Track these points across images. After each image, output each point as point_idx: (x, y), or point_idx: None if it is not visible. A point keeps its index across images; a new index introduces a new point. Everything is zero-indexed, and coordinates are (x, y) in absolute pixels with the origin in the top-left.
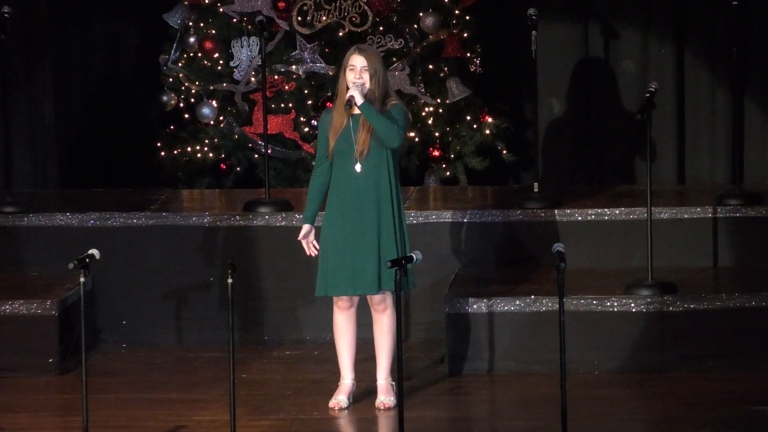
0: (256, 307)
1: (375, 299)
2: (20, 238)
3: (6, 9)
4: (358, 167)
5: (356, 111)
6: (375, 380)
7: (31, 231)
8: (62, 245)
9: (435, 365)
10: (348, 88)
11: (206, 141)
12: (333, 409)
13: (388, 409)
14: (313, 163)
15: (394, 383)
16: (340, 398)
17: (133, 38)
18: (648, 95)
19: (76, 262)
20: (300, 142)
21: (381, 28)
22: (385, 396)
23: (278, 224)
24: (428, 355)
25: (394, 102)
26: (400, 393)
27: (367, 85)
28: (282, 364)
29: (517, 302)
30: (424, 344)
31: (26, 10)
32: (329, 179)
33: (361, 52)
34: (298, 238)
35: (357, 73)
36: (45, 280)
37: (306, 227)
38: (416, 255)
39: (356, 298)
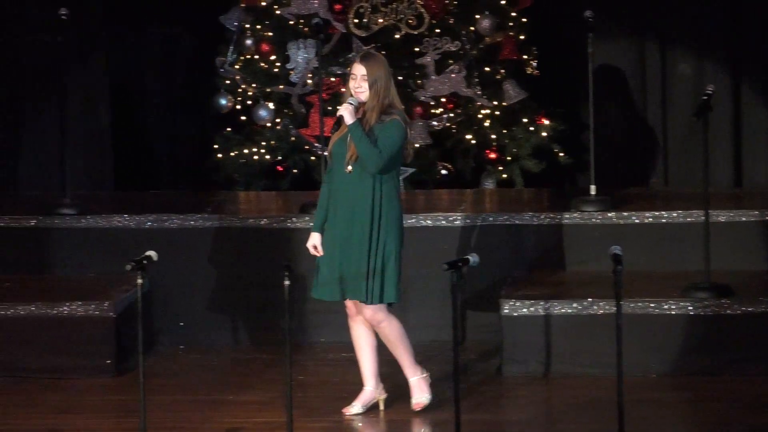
0: (312, 309)
1: (365, 315)
2: (77, 240)
3: (63, 11)
4: (348, 168)
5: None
6: (401, 387)
7: (88, 233)
8: (119, 247)
9: (490, 368)
10: (351, 95)
11: (262, 143)
12: (343, 414)
13: (423, 407)
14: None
15: (426, 375)
16: (354, 405)
17: (189, 40)
18: (705, 98)
19: (133, 263)
20: None
21: (437, 31)
22: (418, 394)
23: None
24: (483, 358)
25: (395, 116)
26: (456, 396)
27: (363, 96)
28: (338, 366)
29: (574, 305)
30: (479, 347)
31: (82, 13)
32: None
33: (363, 60)
34: (306, 245)
35: (357, 82)
36: (102, 282)
37: (313, 235)
38: (473, 258)
39: (361, 304)
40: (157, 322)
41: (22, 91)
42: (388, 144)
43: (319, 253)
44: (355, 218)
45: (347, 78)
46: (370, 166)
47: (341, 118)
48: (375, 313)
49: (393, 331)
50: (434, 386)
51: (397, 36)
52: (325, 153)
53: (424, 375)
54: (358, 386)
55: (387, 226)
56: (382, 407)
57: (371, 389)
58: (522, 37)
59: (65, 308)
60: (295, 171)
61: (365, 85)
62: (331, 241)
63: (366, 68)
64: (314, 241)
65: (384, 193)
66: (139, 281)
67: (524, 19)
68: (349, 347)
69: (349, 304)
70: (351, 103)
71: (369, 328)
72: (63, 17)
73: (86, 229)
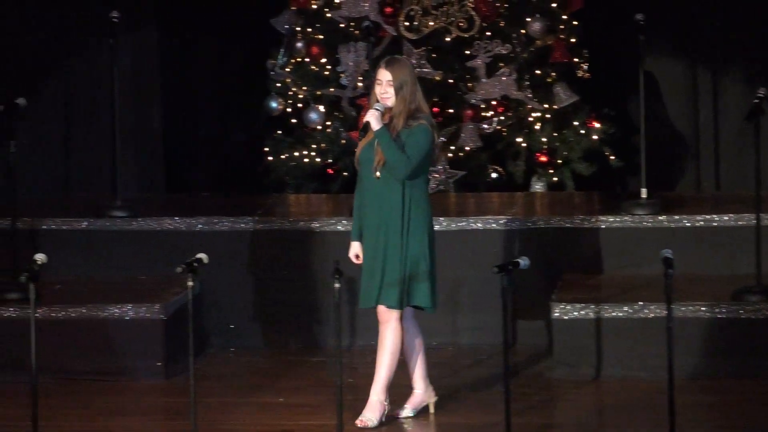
0: (363, 312)
1: (378, 311)
2: (128, 243)
3: (114, 14)
4: (377, 174)
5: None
6: (451, 390)
7: (139, 235)
8: (170, 249)
9: (540, 371)
10: (377, 101)
11: (313, 146)
12: (396, 416)
13: (365, 427)
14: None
15: (387, 403)
16: (404, 407)
17: (240, 43)
18: (756, 101)
19: (184, 266)
20: None
21: (488, 34)
22: (368, 413)
23: None
24: (533, 361)
25: (422, 121)
26: (507, 399)
27: (390, 102)
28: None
29: (625, 308)
30: (529, 350)
31: (133, 15)
32: None
33: (388, 65)
34: (349, 254)
35: (383, 87)
36: (153, 284)
37: (353, 245)
38: (523, 261)
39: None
40: (208, 325)
41: (73, 92)
42: (416, 149)
43: (361, 261)
44: (384, 224)
45: (372, 84)
46: (398, 172)
47: (368, 123)
48: (390, 312)
49: (395, 341)
50: (484, 388)
51: (447, 39)
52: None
53: (386, 402)
54: (408, 389)
55: (416, 230)
56: (432, 410)
57: (421, 392)
58: (573, 39)
59: (116, 310)
60: (345, 174)
61: (391, 91)
62: (365, 247)
63: (391, 73)
64: (355, 250)
65: (413, 198)
66: (190, 284)
67: (575, 22)
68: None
69: (380, 309)
70: (377, 109)
71: (417, 331)
72: (114, 20)
73: (137, 231)
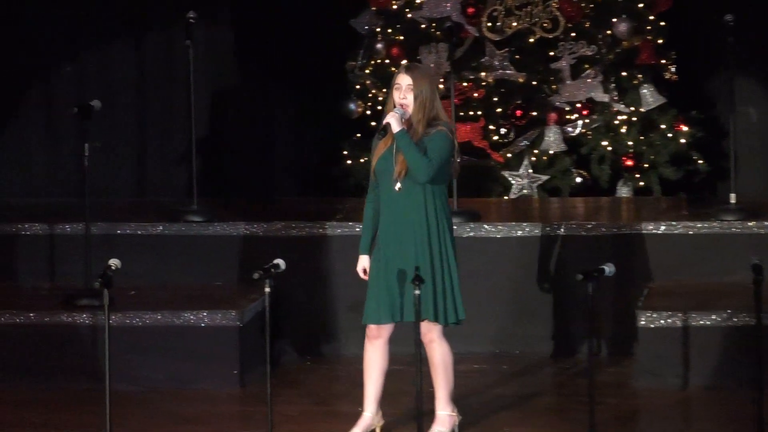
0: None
1: (422, 329)
2: (204, 248)
3: (191, 14)
4: (397, 186)
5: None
6: (520, 399)
7: (216, 240)
8: (246, 255)
9: (626, 381)
10: (394, 107)
11: None
12: None
13: None
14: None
15: (454, 414)
16: (353, 430)
17: (318, 44)
18: None
19: (260, 272)
20: (489, 150)
21: (573, 34)
22: (438, 426)
23: (466, 234)
24: (618, 370)
25: (441, 128)
26: (591, 410)
27: (410, 108)
28: (469, 378)
29: (713, 316)
30: (615, 359)
31: (210, 15)
32: None
33: (408, 70)
34: (356, 269)
35: (402, 92)
36: (229, 291)
37: (361, 258)
38: (608, 267)
39: (386, 329)
40: (284, 332)
41: (148, 95)
42: (436, 153)
43: (366, 276)
44: (408, 237)
45: (391, 89)
46: (420, 174)
47: (388, 126)
48: (431, 329)
49: (445, 355)
50: (558, 398)
51: (531, 40)
52: (458, 160)
53: (454, 413)
54: (490, 398)
55: (445, 242)
56: None
57: (369, 415)
58: (660, 41)
59: (191, 317)
60: None
61: (410, 96)
62: (381, 263)
63: (412, 78)
64: (363, 264)
65: (438, 208)
66: (267, 290)
67: (662, 23)
68: (480, 358)
69: (373, 326)
70: (397, 113)
71: (385, 353)
72: (191, 20)
73: (213, 236)
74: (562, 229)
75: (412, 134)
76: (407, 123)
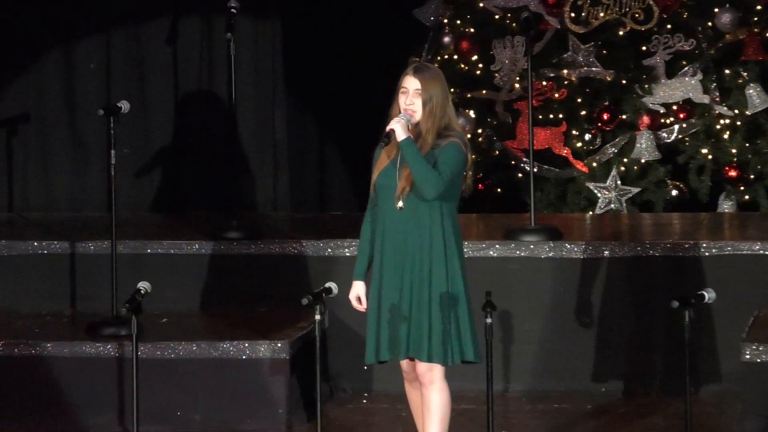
0: (518, 351)
1: (418, 369)
2: (247, 270)
3: (233, 3)
4: (399, 204)
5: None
6: None
7: (259, 261)
8: (295, 277)
9: (729, 423)
10: (399, 113)
11: None
12: None
13: None
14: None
15: None
16: None
17: (377, 37)
18: None
19: (310, 297)
20: (572, 159)
21: (668, 26)
22: None
23: (545, 255)
24: (721, 410)
25: (453, 139)
26: None
27: (418, 115)
28: (546, 419)
29: None
30: (716, 397)
31: (255, 5)
32: None
33: (417, 72)
34: (348, 296)
35: (409, 97)
36: (274, 318)
37: (355, 284)
38: (708, 293)
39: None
40: (339, 366)
41: (182, 94)
42: (448, 166)
43: (363, 306)
44: (416, 262)
45: (396, 93)
46: (427, 189)
47: (392, 133)
48: (432, 369)
49: (445, 401)
50: None
51: (621, 33)
52: (535, 170)
53: None
54: None
55: (453, 270)
56: None
57: None
58: None
59: (231, 348)
60: (498, 190)
61: (418, 102)
62: (381, 291)
63: (421, 82)
64: (358, 290)
65: (446, 231)
66: (317, 317)
67: None
68: (561, 396)
69: (404, 363)
70: (403, 118)
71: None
72: (233, 10)
73: (256, 255)
74: (657, 250)
75: (420, 145)
76: (414, 132)
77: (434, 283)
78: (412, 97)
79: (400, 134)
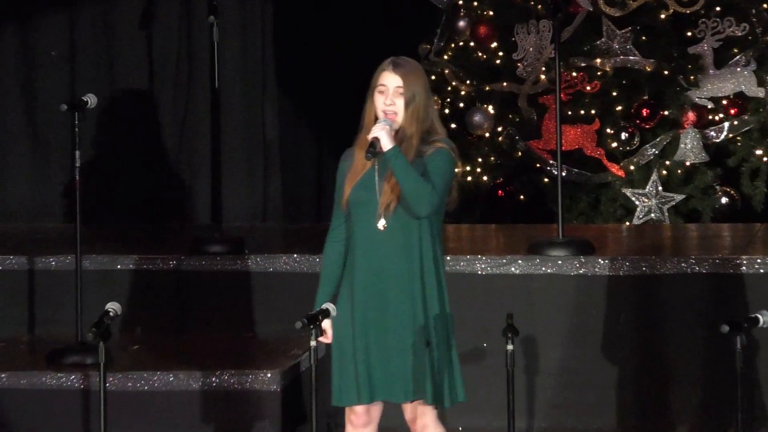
0: (543, 383)
1: (406, 413)
2: (232, 289)
3: None
4: (381, 224)
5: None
6: None
7: (246, 278)
8: (287, 296)
9: None
10: (376, 119)
11: (479, 159)
12: None
13: None
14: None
15: None
16: None
17: (382, 22)
18: None
19: (305, 320)
20: (606, 161)
21: (717, 9)
22: None
23: (574, 272)
24: None
25: (440, 145)
26: None
27: (399, 117)
28: None
29: None
30: None
31: None
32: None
33: (396, 68)
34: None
35: (389, 96)
36: (264, 344)
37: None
38: (763, 316)
39: (377, 410)
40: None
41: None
42: (439, 177)
43: (329, 339)
44: (400, 290)
45: (371, 91)
46: (421, 206)
47: (376, 142)
48: (425, 413)
49: None
50: None
51: (662, 16)
52: (563, 174)
53: None
54: None
55: (442, 300)
56: None
57: None
58: None
59: (214, 380)
60: (522, 197)
61: (400, 103)
62: (354, 324)
63: (402, 78)
64: (324, 323)
65: (436, 254)
66: (313, 343)
67: None
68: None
69: (359, 409)
70: (387, 124)
71: None
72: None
73: (242, 272)
74: (704, 266)
75: (404, 153)
76: (396, 139)
77: (431, 315)
78: (392, 97)
79: (386, 143)
